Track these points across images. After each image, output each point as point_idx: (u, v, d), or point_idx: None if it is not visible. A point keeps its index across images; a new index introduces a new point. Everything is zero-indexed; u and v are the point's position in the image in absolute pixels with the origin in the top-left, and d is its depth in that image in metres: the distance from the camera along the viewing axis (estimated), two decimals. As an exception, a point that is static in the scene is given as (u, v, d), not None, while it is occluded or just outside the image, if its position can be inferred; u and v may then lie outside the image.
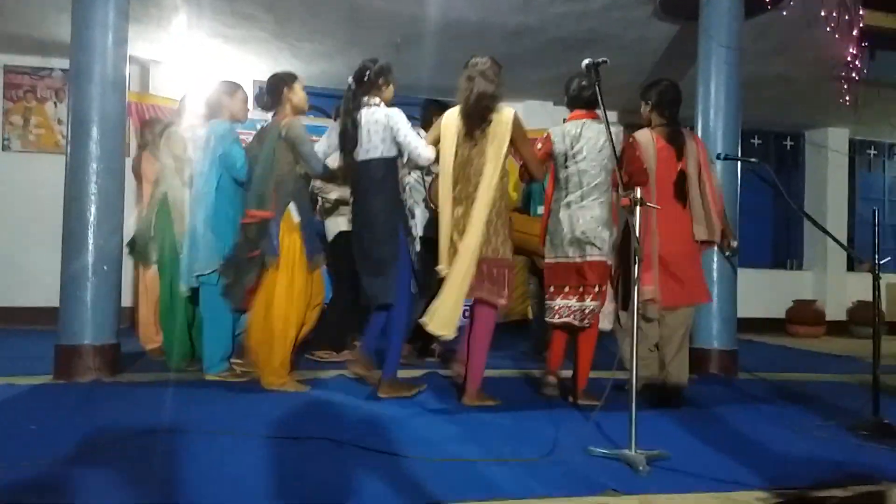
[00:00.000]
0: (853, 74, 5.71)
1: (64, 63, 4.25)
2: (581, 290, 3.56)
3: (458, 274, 3.35)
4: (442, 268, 3.45)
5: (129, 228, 4.49)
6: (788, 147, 9.46)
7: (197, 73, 6.97)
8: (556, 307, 3.66)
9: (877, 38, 5.74)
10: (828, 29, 5.27)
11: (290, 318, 3.71)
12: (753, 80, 6.13)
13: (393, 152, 3.56)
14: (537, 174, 3.66)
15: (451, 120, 3.49)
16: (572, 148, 3.58)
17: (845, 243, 8.21)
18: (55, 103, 6.87)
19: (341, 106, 3.72)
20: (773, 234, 9.59)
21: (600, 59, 2.82)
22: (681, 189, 3.62)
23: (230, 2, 5.37)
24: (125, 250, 4.41)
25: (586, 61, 2.83)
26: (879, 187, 9.83)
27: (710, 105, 4.91)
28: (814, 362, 5.99)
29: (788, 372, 5.15)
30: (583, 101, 3.66)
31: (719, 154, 4.71)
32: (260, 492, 2.15)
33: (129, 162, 4.67)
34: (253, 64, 6.90)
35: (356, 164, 3.61)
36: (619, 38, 5.95)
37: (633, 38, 5.93)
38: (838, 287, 9.01)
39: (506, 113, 3.41)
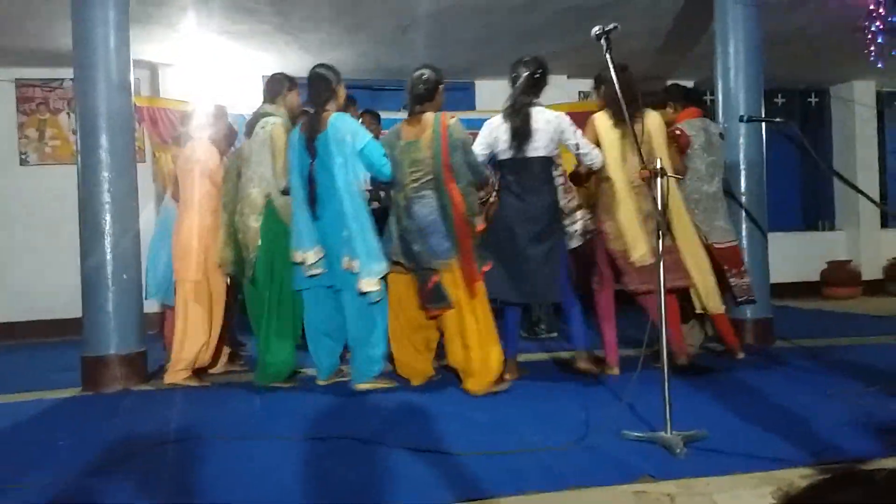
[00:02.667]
0: (877, 24, 5.47)
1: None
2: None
3: (701, 259, 3.79)
4: (643, 256, 3.52)
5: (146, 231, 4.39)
6: (813, 104, 9.15)
7: (206, 72, 6.94)
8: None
9: (901, -17, 5.49)
10: (849, -23, 5.04)
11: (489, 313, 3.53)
12: (773, 36, 5.90)
13: (554, 153, 3.63)
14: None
15: (603, 122, 3.67)
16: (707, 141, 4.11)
17: (877, 199, 7.96)
18: (68, 114, 6.86)
19: (507, 105, 3.60)
20: (802, 194, 9.29)
21: (611, 26, 2.68)
22: None
23: (231, -4, 5.30)
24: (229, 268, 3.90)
25: (596, 29, 2.70)
26: (910, 139, 9.48)
27: (731, 65, 4.73)
28: (852, 325, 5.81)
29: (827, 337, 4.99)
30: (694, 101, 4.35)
31: (742, 116, 4.55)
32: (291, 494, 2.11)
33: (142, 168, 4.56)
34: (260, 59, 6.82)
35: (518, 161, 3.56)
36: (632, 3, 5.76)
37: (647, 1, 5.74)
38: (873, 245, 8.73)
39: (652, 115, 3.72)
